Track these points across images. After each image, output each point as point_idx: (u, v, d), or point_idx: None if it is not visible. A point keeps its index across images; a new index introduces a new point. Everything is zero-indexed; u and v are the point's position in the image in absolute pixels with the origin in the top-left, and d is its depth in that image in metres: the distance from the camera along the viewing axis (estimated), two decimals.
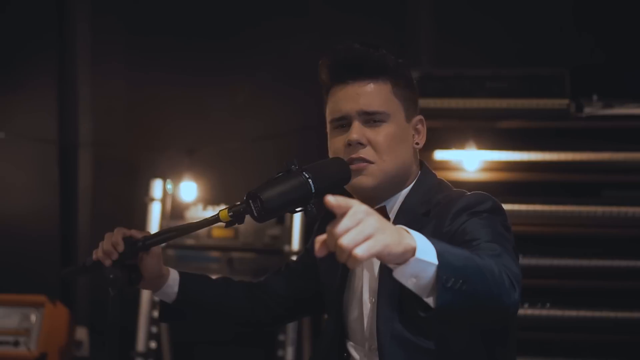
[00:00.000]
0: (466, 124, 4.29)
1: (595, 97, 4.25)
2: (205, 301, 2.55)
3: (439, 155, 4.31)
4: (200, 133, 4.97)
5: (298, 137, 4.73)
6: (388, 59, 2.39)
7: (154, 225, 4.68)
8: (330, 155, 2.41)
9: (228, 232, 4.62)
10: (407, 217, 2.30)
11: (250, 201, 2.17)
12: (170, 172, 4.80)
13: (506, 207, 4.11)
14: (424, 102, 4.29)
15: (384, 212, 2.34)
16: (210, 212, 4.65)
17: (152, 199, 4.70)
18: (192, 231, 2.41)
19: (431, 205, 2.31)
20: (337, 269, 2.47)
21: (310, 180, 2.19)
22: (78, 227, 5.13)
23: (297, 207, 2.20)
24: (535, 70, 4.33)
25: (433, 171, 2.46)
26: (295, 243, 4.53)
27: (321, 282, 2.56)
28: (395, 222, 2.30)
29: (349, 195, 2.41)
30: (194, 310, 2.55)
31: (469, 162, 4.29)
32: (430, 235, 2.18)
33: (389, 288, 2.28)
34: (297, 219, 4.56)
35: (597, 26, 4.59)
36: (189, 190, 4.73)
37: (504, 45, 4.69)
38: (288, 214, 4.40)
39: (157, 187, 4.71)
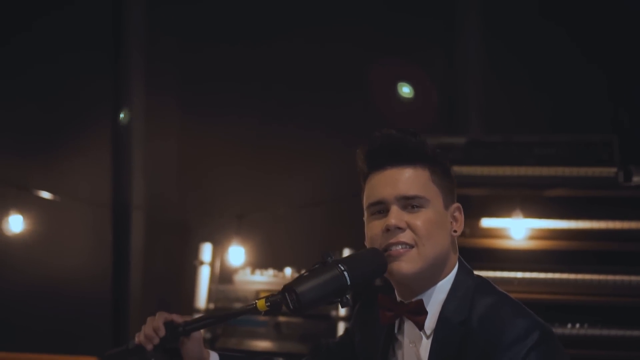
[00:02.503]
0: (513, 192, 4.28)
1: None
2: None
3: (486, 222, 4.31)
4: (250, 198, 5.04)
5: (346, 203, 4.76)
6: (426, 146, 2.40)
7: (202, 288, 4.74)
8: (367, 241, 2.41)
9: None
10: (445, 327, 2.29)
11: (287, 294, 2.19)
12: (220, 236, 4.87)
13: (554, 276, 4.19)
14: (471, 170, 4.31)
15: (420, 306, 2.34)
16: (258, 276, 4.71)
17: (202, 263, 4.77)
18: (231, 318, 2.44)
19: (470, 314, 2.29)
20: (376, 353, 2.47)
21: (345, 272, 2.21)
22: (130, 289, 5.22)
23: (332, 299, 2.22)
24: (583, 136, 4.31)
25: (469, 266, 2.44)
26: (342, 309, 4.53)
27: None
28: (435, 334, 2.31)
29: (387, 283, 2.42)
30: None
31: (516, 230, 4.27)
32: None
33: None
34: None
35: None
36: (237, 254, 4.80)
37: (551, 110, 4.68)
38: None
39: (206, 251, 4.78)
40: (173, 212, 5.18)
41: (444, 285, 2.37)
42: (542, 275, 4.23)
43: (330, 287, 2.19)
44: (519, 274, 4.22)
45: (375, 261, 2.31)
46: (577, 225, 4.25)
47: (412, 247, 2.33)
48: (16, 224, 4.87)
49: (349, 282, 2.21)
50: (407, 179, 2.36)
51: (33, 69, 5.19)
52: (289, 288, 2.19)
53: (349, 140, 4.49)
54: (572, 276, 4.21)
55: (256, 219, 4.94)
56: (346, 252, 4.54)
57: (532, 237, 4.28)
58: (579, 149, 4.28)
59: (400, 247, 2.33)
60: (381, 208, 2.38)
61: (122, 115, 4.74)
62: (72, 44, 5.19)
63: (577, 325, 4.17)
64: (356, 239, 4.52)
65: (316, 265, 2.24)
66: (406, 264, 2.32)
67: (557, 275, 4.22)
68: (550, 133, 4.54)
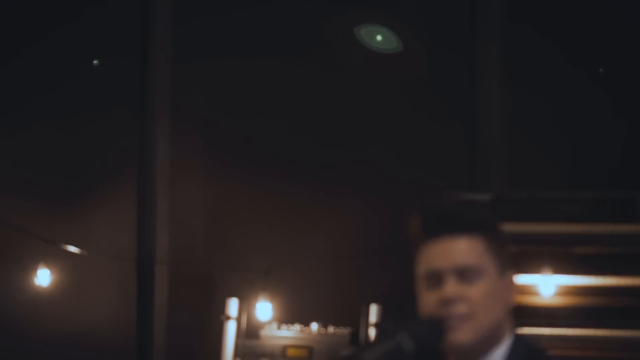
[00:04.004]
0: (541, 248, 4.31)
1: None
2: None
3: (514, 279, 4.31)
4: (275, 252, 5.07)
5: (373, 258, 4.79)
6: (481, 215, 2.44)
7: (229, 343, 4.75)
8: (422, 311, 2.43)
9: (302, 352, 4.65)
10: None
11: None
12: (245, 291, 4.88)
13: (583, 332, 4.20)
14: None
15: None
16: (285, 331, 4.72)
17: (229, 317, 4.78)
18: None
19: None
20: None
21: (407, 340, 2.24)
22: (154, 343, 5.22)
23: None
24: (608, 193, 4.35)
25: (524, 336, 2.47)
26: None
27: None
28: None
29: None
30: None
31: (545, 286, 4.29)
32: None
33: None
34: (371, 337, 4.57)
35: None
36: (264, 310, 4.81)
37: (576, 166, 4.72)
38: None
39: (232, 306, 4.79)
40: (198, 266, 5.20)
41: (500, 354, 2.39)
42: (570, 331, 4.25)
43: (393, 356, 2.22)
44: (548, 331, 4.24)
45: (435, 330, 2.33)
46: (605, 281, 4.27)
47: (467, 318, 2.36)
48: (44, 278, 4.90)
49: (410, 351, 2.24)
50: (462, 250, 2.38)
51: (57, 118, 5.24)
52: (354, 357, 2.21)
53: (376, 197, 4.58)
54: (601, 332, 4.22)
55: (282, 274, 4.96)
56: (373, 308, 4.56)
57: (562, 294, 4.30)
58: (604, 206, 4.31)
59: (456, 318, 2.36)
60: (436, 279, 2.40)
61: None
62: (98, 93, 5.26)
63: None
64: (383, 294, 4.57)
65: (377, 335, 2.28)
66: (462, 334, 2.34)
67: (585, 332, 4.23)
68: (574, 189, 4.57)
